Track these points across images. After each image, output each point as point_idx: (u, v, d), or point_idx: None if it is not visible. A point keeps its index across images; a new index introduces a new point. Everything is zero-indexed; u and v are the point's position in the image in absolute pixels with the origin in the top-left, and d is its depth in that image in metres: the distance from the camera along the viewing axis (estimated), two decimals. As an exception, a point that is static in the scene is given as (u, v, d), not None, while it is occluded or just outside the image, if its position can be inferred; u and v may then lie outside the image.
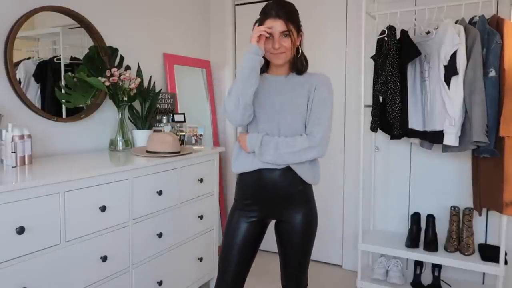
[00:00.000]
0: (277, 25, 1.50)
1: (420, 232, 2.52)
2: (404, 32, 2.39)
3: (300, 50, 1.60)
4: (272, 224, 1.72)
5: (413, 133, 2.42)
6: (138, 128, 2.49)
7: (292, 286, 1.70)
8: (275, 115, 1.57)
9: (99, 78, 2.19)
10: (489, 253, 2.31)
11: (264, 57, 1.58)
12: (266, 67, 1.64)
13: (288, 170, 1.57)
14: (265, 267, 2.84)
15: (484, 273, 2.55)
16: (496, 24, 2.12)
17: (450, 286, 2.50)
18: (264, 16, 1.53)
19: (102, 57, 2.32)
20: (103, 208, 1.75)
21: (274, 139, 1.54)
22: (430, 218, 2.48)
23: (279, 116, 1.57)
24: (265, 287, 2.63)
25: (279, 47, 1.51)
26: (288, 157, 1.53)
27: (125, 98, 2.32)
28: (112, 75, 2.23)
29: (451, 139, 2.19)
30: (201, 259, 2.46)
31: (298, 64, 1.61)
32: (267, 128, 1.58)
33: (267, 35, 1.51)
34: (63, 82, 2.17)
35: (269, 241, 1.78)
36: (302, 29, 1.60)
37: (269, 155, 1.53)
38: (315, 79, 1.60)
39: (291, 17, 1.52)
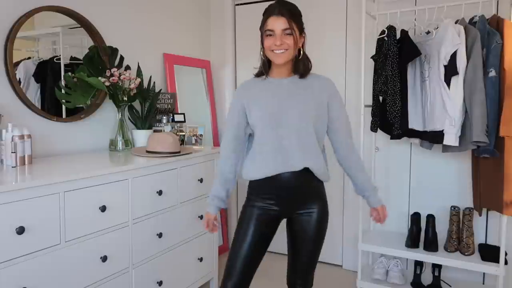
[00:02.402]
0: (279, 22, 1.50)
1: (420, 232, 2.52)
2: (404, 32, 2.39)
3: (302, 52, 1.60)
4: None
5: (413, 133, 2.41)
6: (138, 128, 2.49)
7: (300, 283, 1.70)
8: (283, 120, 1.56)
9: (99, 78, 2.19)
10: (489, 253, 2.31)
11: (266, 58, 1.61)
12: (268, 69, 1.64)
13: (305, 171, 1.59)
14: (264, 267, 2.83)
15: (484, 273, 2.55)
16: (496, 24, 2.12)
17: (450, 286, 2.50)
18: (267, 15, 1.54)
19: (102, 57, 2.32)
20: (103, 208, 1.75)
21: (364, 174, 1.73)
22: (430, 218, 2.48)
23: (289, 121, 1.56)
24: (264, 287, 2.63)
25: (281, 44, 1.50)
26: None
27: (125, 98, 2.32)
28: (112, 75, 2.23)
29: (451, 139, 2.18)
30: (201, 259, 2.46)
31: (300, 66, 1.60)
32: (279, 134, 1.56)
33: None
34: (63, 82, 2.17)
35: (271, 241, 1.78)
36: (305, 32, 1.60)
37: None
38: (322, 84, 1.62)
39: (294, 16, 1.53)
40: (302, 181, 1.60)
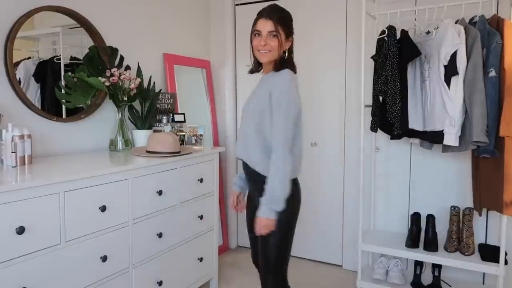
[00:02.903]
0: (267, 25, 1.62)
1: (420, 232, 2.52)
2: (404, 32, 2.39)
3: (286, 54, 1.68)
4: None
5: (413, 133, 2.41)
6: (138, 128, 2.49)
7: (260, 281, 1.78)
8: (244, 113, 1.75)
9: (99, 78, 2.19)
10: (489, 253, 2.31)
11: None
12: (257, 66, 1.78)
13: (245, 163, 1.72)
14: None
15: (484, 273, 2.55)
16: (496, 24, 2.12)
17: (450, 286, 2.50)
18: (258, 16, 1.67)
19: (102, 57, 2.32)
20: (103, 208, 1.75)
21: (269, 187, 1.54)
22: (430, 218, 2.48)
23: (245, 114, 1.74)
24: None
25: (264, 45, 1.62)
26: (284, 183, 1.55)
27: (125, 98, 2.32)
28: (112, 75, 2.23)
29: (451, 139, 2.18)
30: (201, 259, 2.46)
31: (281, 65, 1.68)
32: (242, 125, 1.74)
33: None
34: (63, 82, 2.17)
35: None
36: (293, 36, 1.70)
37: (279, 192, 1.55)
38: (272, 81, 1.63)
39: (282, 21, 1.64)
40: (248, 172, 1.74)
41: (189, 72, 3.15)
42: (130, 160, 2.04)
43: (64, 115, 2.19)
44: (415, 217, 2.55)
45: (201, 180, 2.41)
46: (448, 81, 2.17)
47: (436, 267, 2.51)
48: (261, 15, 1.64)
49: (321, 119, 3.05)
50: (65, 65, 2.20)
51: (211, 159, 2.52)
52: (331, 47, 2.98)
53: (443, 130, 2.21)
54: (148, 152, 2.18)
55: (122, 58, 2.44)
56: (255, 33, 1.65)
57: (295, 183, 1.68)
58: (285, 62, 1.66)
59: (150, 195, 2.03)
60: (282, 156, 1.53)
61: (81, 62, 2.25)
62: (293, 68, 1.68)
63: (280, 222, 1.60)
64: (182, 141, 2.58)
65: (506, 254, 2.20)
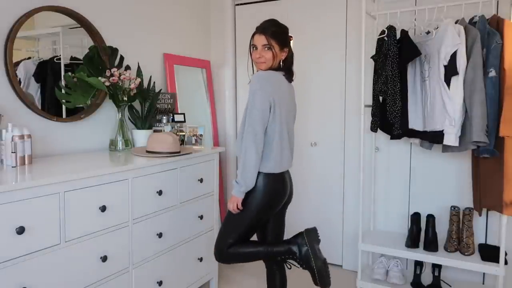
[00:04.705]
0: (261, 39, 1.82)
1: (420, 232, 2.52)
2: (404, 32, 2.39)
3: (282, 63, 1.87)
4: None
5: (413, 133, 2.41)
6: (138, 128, 2.49)
7: None
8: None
9: (99, 78, 2.19)
10: (489, 253, 2.31)
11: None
12: None
13: None
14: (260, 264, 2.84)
15: (484, 273, 2.55)
16: (496, 24, 2.12)
17: (450, 286, 2.50)
18: (254, 32, 1.86)
19: (102, 57, 2.32)
20: (103, 208, 1.75)
21: (240, 165, 1.79)
22: (430, 218, 2.48)
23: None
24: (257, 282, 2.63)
25: (259, 57, 1.82)
26: (245, 169, 1.76)
27: (125, 98, 2.32)
28: (112, 75, 2.23)
29: (451, 139, 2.18)
30: (201, 259, 2.46)
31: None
32: None
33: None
34: (63, 82, 2.17)
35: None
36: (289, 47, 1.87)
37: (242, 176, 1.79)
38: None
39: (275, 35, 1.82)
40: None
41: (189, 72, 3.15)
42: (130, 160, 2.04)
43: (64, 115, 2.19)
44: (415, 217, 2.55)
45: (201, 180, 2.41)
46: (448, 81, 2.17)
47: (436, 267, 2.51)
48: (257, 30, 1.84)
49: (321, 119, 3.05)
50: (65, 65, 2.20)
51: (211, 159, 2.52)
52: (331, 47, 2.98)
53: (443, 130, 2.21)
54: (148, 152, 2.18)
55: (122, 58, 2.44)
56: (252, 47, 1.86)
57: (274, 178, 1.81)
58: (280, 69, 1.86)
59: (150, 195, 2.03)
60: (245, 145, 1.74)
61: (81, 62, 2.25)
62: (287, 73, 1.87)
63: (247, 205, 1.80)
64: (182, 141, 2.58)
65: (506, 254, 2.20)
